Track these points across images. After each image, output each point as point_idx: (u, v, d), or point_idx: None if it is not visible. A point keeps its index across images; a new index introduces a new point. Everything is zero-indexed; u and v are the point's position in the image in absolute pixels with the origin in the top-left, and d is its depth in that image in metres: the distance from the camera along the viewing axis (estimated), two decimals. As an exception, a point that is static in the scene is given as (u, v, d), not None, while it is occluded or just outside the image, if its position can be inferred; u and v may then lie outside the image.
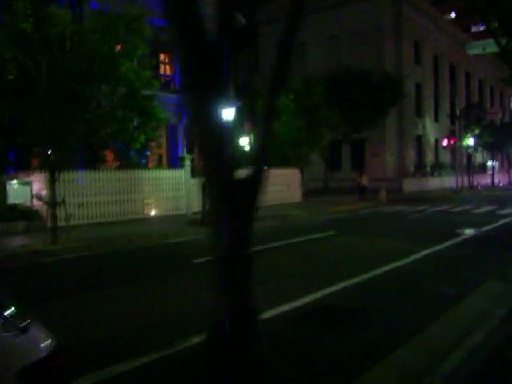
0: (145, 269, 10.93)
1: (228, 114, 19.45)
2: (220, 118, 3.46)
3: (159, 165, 27.37)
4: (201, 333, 4.55)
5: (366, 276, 9.15)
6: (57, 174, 14.07)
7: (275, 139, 24.41)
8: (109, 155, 20.21)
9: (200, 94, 3.30)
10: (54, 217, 13.94)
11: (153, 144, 20.04)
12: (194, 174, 27.91)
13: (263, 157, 3.64)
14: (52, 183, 13.87)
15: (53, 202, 13.91)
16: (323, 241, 14.10)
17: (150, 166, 26.10)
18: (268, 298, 7.50)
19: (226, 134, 3.48)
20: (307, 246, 13.20)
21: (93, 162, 20.61)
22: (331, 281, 8.68)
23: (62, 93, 12.57)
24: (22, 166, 18.52)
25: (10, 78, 12.14)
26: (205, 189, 18.51)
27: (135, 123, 17.74)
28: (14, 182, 16.27)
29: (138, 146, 17.86)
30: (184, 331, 6.22)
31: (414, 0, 42.82)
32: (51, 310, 7.39)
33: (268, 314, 6.65)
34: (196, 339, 5.76)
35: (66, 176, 17.34)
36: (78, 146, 15.59)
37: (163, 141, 28.51)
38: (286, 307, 7.21)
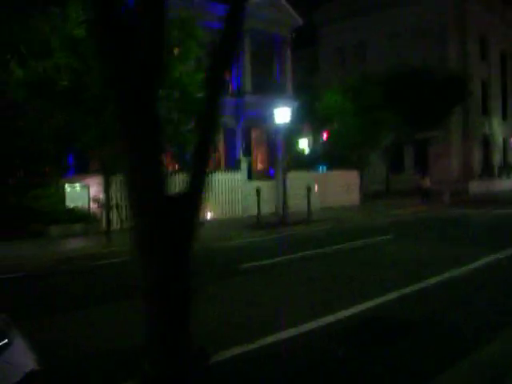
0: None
1: (283, 114, 19.17)
2: (149, 115, 2.80)
3: (217, 168, 27.38)
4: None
5: (419, 285, 8.52)
6: (111, 178, 14.26)
7: (334, 140, 23.91)
8: (166, 159, 20.23)
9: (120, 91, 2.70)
10: (108, 220, 14.05)
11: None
12: (251, 176, 27.89)
13: (202, 166, 3.09)
14: (106, 187, 14.00)
15: (107, 206, 14.04)
16: (378, 245, 13.52)
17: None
18: (311, 308, 7.13)
19: (156, 135, 2.82)
20: (360, 251, 12.67)
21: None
22: (382, 289, 8.15)
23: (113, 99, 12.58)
24: (81, 170, 18.90)
25: (64, 84, 12.29)
26: (259, 192, 18.34)
27: (189, 126, 17.73)
28: (72, 185, 16.57)
29: (190, 148, 17.79)
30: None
31: (479, -6, 41.16)
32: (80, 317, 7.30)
33: (310, 327, 6.28)
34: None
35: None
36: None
37: (221, 144, 28.50)
38: (330, 318, 6.78)
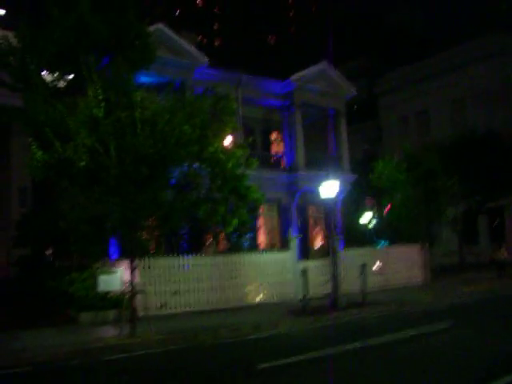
0: (204, 373, 9.39)
1: (329, 189, 17.91)
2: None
3: (272, 247, 26.25)
4: None
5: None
6: (136, 261, 13.46)
7: (394, 213, 22.30)
8: (208, 238, 19.45)
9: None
10: (133, 307, 13.08)
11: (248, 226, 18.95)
12: (308, 255, 26.47)
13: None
14: (132, 271, 13.15)
15: (132, 291, 13.12)
16: (427, 338, 11.46)
17: (261, 248, 25.07)
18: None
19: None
20: (403, 346, 10.71)
21: (199, 247, 19.95)
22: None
23: (133, 178, 11.97)
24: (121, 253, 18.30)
25: (82, 164, 11.82)
26: (305, 273, 16.88)
27: (229, 205, 16.92)
28: (105, 269, 15.86)
29: (230, 229, 16.89)
30: None
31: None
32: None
33: None
34: None
35: (162, 262, 16.76)
36: (163, 232, 14.93)
37: (275, 222, 27.47)
38: None
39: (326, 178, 17.63)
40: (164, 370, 9.85)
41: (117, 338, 12.70)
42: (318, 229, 29.73)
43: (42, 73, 16.93)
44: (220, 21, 79.00)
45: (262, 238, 27.15)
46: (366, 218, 30.04)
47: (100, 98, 11.90)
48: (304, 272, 16.77)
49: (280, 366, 9.21)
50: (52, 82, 17.10)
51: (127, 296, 13.34)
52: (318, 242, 29.42)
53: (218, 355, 11.18)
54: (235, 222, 16.51)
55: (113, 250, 18.09)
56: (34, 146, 12.24)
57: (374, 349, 10.52)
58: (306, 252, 26.84)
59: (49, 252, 21.02)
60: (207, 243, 21.46)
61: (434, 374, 8.32)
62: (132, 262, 13.12)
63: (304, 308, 16.24)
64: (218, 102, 15.78)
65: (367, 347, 10.66)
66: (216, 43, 77.13)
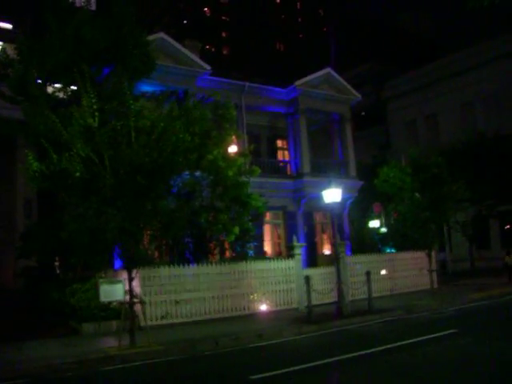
0: None
1: (332, 194, 17.74)
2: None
3: (278, 255, 26.04)
4: None
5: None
6: (138, 271, 13.39)
7: (400, 219, 22.04)
8: (212, 247, 19.28)
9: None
10: (132, 318, 12.99)
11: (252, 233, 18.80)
12: (315, 262, 26.23)
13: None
14: (129, 281, 13.06)
15: (130, 302, 13.03)
16: (431, 345, 11.22)
17: (267, 256, 24.87)
18: None
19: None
20: (403, 355, 10.40)
21: (202, 255, 19.81)
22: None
23: (129, 187, 11.91)
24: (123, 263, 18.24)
25: (77, 174, 11.79)
26: (309, 280, 16.70)
27: (231, 213, 16.82)
28: (106, 279, 15.79)
29: (232, 237, 16.75)
30: None
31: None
32: None
33: None
34: None
35: (164, 271, 16.65)
36: (161, 241, 14.84)
37: (281, 229, 27.29)
38: None
39: (329, 185, 17.48)
40: (154, 381, 9.76)
41: (117, 348, 12.61)
42: (325, 235, 29.52)
43: (45, 84, 17.07)
44: (228, 29, 79.26)
45: (267, 246, 26.98)
46: (375, 224, 29.81)
47: (94, 107, 11.87)
48: (307, 280, 16.58)
49: (273, 377, 9.03)
50: (53, 93, 17.18)
51: (126, 306, 13.26)
52: (326, 249, 29.19)
53: (214, 365, 11.04)
54: (236, 229, 16.39)
55: (116, 260, 18.05)
56: (30, 157, 12.23)
57: (376, 357, 10.31)
58: (313, 259, 26.66)
59: (56, 263, 21.07)
60: (213, 252, 21.35)
61: (435, 382, 8.13)
62: (130, 272, 13.02)
63: (308, 316, 16.05)
64: (218, 110, 15.73)
65: (368, 355, 10.46)
66: (224, 51, 77.37)
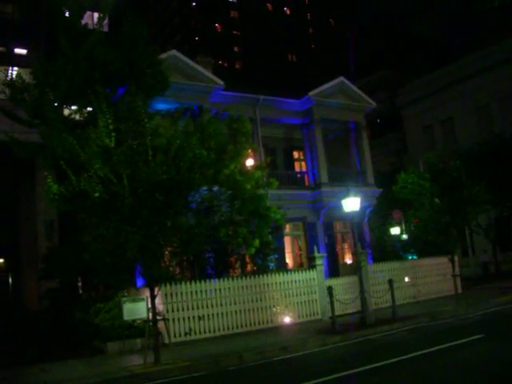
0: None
1: (351, 203, 17.64)
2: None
3: (300, 266, 25.94)
4: None
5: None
6: (160, 288, 13.43)
7: (420, 225, 21.81)
8: (233, 261, 19.27)
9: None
10: (156, 335, 12.98)
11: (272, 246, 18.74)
12: (338, 272, 26.06)
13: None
14: (152, 298, 13.09)
15: (153, 319, 13.04)
16: (458, 352, 11.06)
17: (288, 268, 24.78)
18: None
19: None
20: (429, 362, 10.21)
21: (223, 270, 19.80)
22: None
23: (148, 205, 11.97)
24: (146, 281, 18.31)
25: (96, 195, 11.89)
26: (331, 290, 16.57)
27: (250, 227, 16.80)
28: (130, 298, 15.85)
29: (252, 250, 16.72)
30: None
31: None
32: None
33: None
34: None
35: (186, 287, 16.65)
36: (182, 258, 14.86)
37: (302, 240, 27.18)
38: None
39: (347, 194, 17.40)
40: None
41: (142, 366, 12.63)
42: (346, 244, 29.34)
43: (62, 106, 17.32)
44: (239, 43, 79.79)
45: (289, 258, 26.88)
46: (396, 231, 29.54)
47: (110, 127, 11.99)
48: (330, 290, 16.45)
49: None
50: (69, 115, 17.40)
51: (150, 324, 13.28)
52: (348, 258, 28.99)
53: (239, 380, 10.99)
54: (256, 242, 16.36)
55: (138, 278, 18.12)
56: (49, 180, 12.38)
57: (401, 366, 10.17)
58: (335, 269, 26.50)
59: (79, 284, 21.23)
60: (234, 266, 21.33)
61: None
62: (152, 289, 13.05)
63: (332, 327, 15.91)
64: (232, 124, 15.80)
65: (393, 364, 10.32)
66: (237, 65, 77.82)
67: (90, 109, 16.97)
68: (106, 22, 18.95)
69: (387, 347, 13.12)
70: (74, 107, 17.39)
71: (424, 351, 11.25)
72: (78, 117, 17.41)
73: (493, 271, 31.58)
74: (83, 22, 16.82)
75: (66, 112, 17.45)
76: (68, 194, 12.01)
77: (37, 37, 25.26)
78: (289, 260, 26.86)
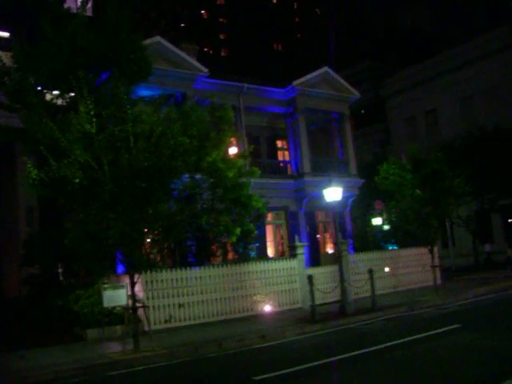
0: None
1: (333, 193, 17.74)
2: None
3: (281, 255, 26.06)
4: None
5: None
6: (140, 275, 13.41)
7: (401, 216, 22.02)
8: (215, 249, 19.29)
9: None
10: (136, 322, 12.99)
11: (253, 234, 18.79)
12: (319, 261, 26.25)
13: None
14: (132, 285, 13.07)
15: (133, 307, 13.04)
16: (435, 341, 11.23)
17: (270, 257, 24.89)
18: None
19: None
20: (405, 351, 10.40)
21: (205, 258, 19.82)
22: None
23: (129, 192, 11.91)
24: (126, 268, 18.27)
25: (76, 181, 11.80)
26: (311, 280, 16.69)
27: (232, 215, 16.82)
28: (109, 284, 15.80)
29: (234, 238, 16.75)
30: None
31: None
32: None
33: None
34: None
35: (166, 275, 16.64)
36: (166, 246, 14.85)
37: (284, 229, 27.28)
38: None
39: (329, 184, 17.48)
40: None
41: (121, 353, 12.64)
42: (328, 234, 29.51)
43: (43, 91, 17.09)
44: (225, 30, 79.32)
45: (270, 247, 26.96)
46: (378, 221, 29.77)
47: (92, 113, 11.89)
48: (310, 279, 16.56)
49: (277, 377, 9.04)
50: (51, 100, 17.19)
51: (130, 311, 13.28)
52: (329, 248, 29.18)
53: (218, 367, 11.05)
54: (238, 231, 16.38)
55: (118, 265, 18.07)
56: (29, 165, 12.26)
57: (379, 355, 10.32)
58: (316, 258, 26.66)
59: (60, 270, 21.07)
60: (215, 254, 21.37)
61: (435, 378, 8.12)
62: (132, 276, 13.03)
63: (312, 315, 16.04)
64: (215, 111, 15.75)
65: (371, 353, 10.46)
66: (222, 53, 77.38)
67: (72, 94, 16.83)
68: (89, 5, 18.66)
69: (366, 336, 13.28)
70: (55, 92, 17.21)
71: (402, 340, 11.45)
72: (59, 102, 17.20)
73: (497, 261, 31.65)
74: (66, 5, 16.63)
75: (48, 97, 17.23)
76: (48, 180, 11.89)
77: (19, 19, 24.83)
78: (270, 249, 26.95)
